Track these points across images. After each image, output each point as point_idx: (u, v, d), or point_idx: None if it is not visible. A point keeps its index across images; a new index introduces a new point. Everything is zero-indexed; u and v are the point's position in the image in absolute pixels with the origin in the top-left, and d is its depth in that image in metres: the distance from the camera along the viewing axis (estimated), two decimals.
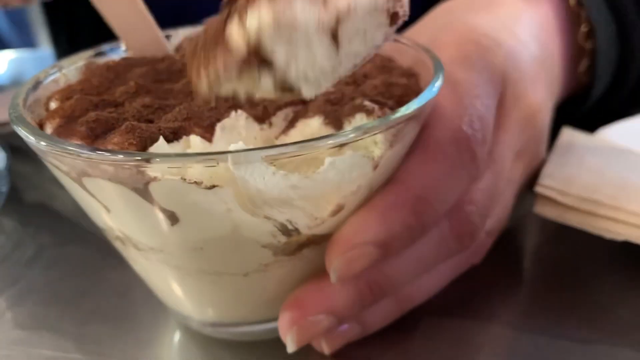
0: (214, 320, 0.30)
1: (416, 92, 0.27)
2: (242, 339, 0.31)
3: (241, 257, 0.26)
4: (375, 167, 0.24)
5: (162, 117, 0.25)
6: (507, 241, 0.36)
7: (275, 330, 0.28)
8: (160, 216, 0.24)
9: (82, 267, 0.37)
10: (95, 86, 0.28)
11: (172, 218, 0.24)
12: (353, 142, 0.23)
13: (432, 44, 0.31)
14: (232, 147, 0.22)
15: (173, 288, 0.29)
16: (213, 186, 0.22)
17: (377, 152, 0.24)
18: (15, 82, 0.71)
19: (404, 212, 0.26)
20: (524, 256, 0.37)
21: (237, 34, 0.21)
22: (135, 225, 0.25)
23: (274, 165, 0.22)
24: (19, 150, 0.46)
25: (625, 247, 0.33)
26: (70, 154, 0.22)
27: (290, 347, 0.27)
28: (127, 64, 0.30)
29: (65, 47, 0.70)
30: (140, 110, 0.26)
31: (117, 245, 0.28)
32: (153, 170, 0.22)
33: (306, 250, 0.26)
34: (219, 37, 0.21)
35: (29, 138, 0.24)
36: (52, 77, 0.30)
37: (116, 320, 0.32)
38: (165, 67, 0.29)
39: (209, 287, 0.28)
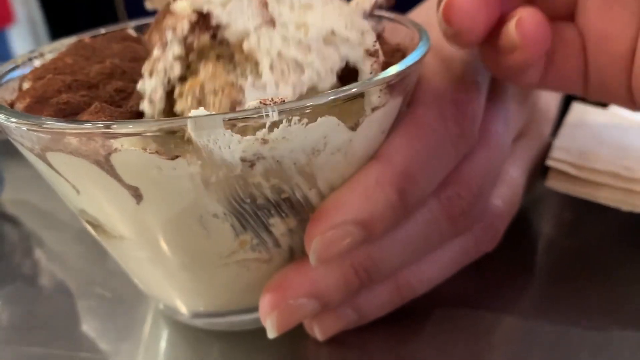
0: (199, 311, 0.29)
1: None
2: (232, 330, 0.29)
3: (213, 240, 0.24)
4: (351, 139, 0.23)
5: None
6: (519, 227, 0.34)
7: None
8: (125, 193, 0.23)
9: (74, 265, 0.36)
10: (69, 64, 0.26)
11: (137, 195, 0.23)
12: (327, 106, 0.21)
13: (425, 23, 0.29)
14: (192, 113, 0.21)
15: (154, 277, 0.28)
16: (176, 156, 0.21)
17: (355, 119, 0.23)
18: None
19: (387, 190, 0.24)
20: (538, 243, 0.35)
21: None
22: (105, 205, 0.24)
23: (240, 133, 0.21)
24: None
25: None
26: (29, 124, 0.22)
27: (271, 333, 0.25)
28: (104, 40, 0.29)
29: None
30: (112, 94, 0.24)
31: (102, 239, 0.27)
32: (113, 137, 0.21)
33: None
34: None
35: None
36: (32, 62, 0.29)
37: (107, 318, 0.31)
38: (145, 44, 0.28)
39: (187, 276, 0.26)
